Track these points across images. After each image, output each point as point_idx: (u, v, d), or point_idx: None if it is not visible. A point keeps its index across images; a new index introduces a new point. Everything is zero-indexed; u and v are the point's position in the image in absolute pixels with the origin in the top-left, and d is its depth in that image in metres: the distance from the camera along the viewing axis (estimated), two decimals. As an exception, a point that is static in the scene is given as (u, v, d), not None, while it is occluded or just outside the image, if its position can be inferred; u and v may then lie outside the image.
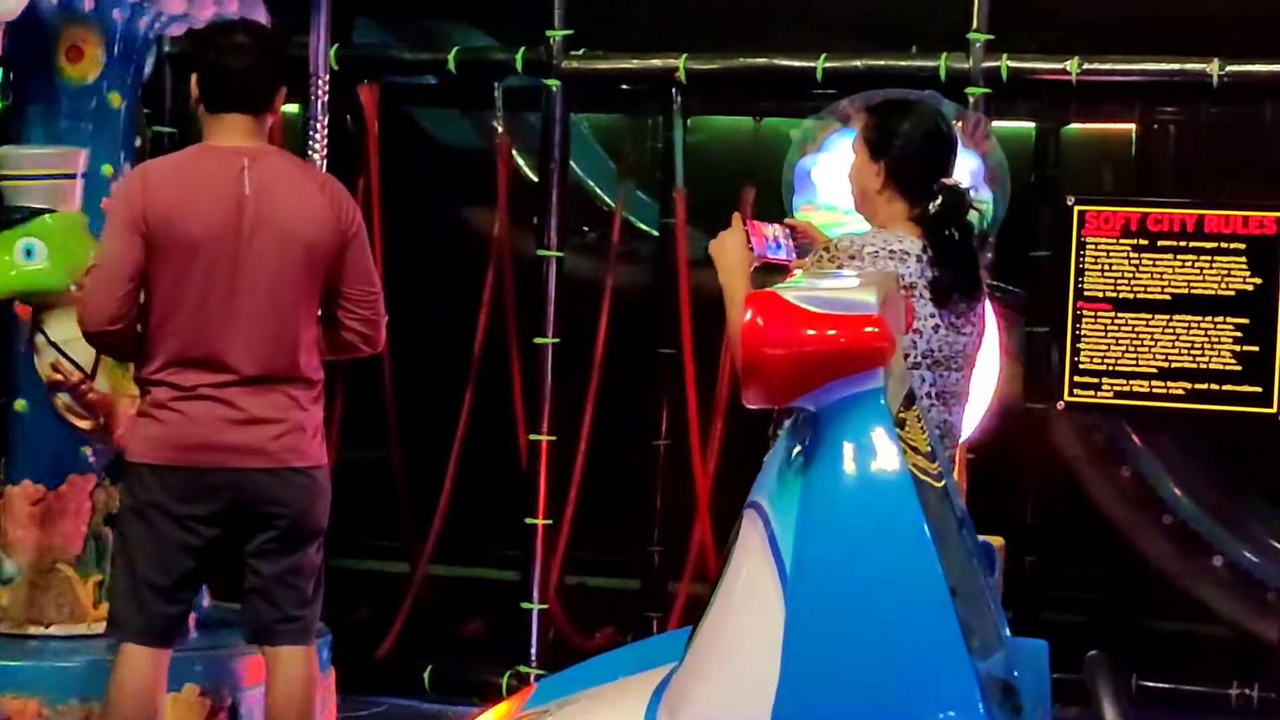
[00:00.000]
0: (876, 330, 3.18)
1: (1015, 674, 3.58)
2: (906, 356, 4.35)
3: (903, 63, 8.04)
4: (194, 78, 5.89)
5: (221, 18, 6.77)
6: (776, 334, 3.18)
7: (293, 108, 7.14)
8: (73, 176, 6.72)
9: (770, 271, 5.21)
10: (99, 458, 6.89)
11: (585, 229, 9.10)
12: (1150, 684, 7.80)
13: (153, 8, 7.00)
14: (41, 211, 6.65)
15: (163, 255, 5.63)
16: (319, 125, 7.36)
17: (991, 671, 3.26)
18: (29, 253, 6.62)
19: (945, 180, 5.19)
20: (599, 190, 9.21)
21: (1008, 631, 3.76)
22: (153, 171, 5.98)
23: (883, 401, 3.25)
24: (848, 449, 3.21)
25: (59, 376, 6.62)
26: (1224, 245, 7.73)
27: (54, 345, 6.60)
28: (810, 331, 3.17)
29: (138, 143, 7.47)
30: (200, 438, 5.64)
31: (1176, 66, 7.81)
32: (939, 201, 5.13)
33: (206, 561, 5.81)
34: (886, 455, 3.20)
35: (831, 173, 7.30)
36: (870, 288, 3.29)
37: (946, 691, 3.07)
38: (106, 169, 6.91)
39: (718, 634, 3.39)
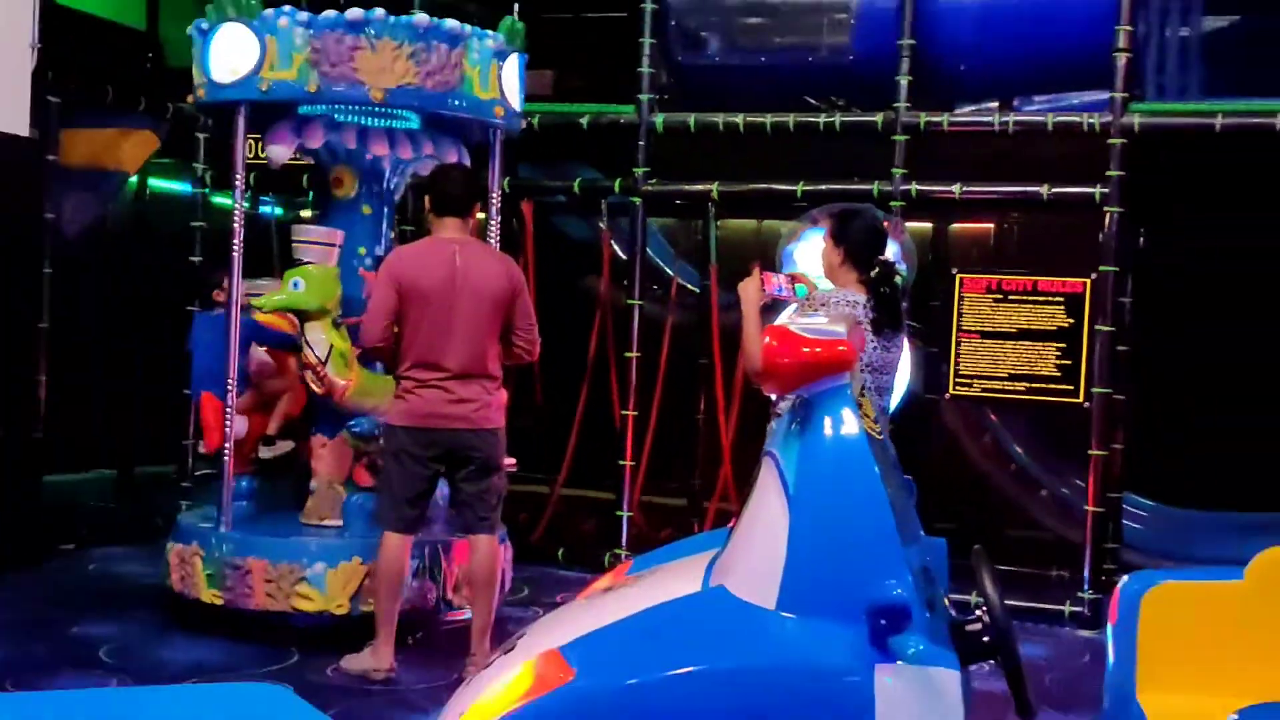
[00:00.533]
0: (845, 349, 3.28)
1: (928, 559, 3.57)
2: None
3: (850, 187, 8.05)
4: (427, 197, 6.33)
5: (439, 162, 6.91)
6: (785, 351, 3.26)
7: (482, 215, 7.11)
8: (332, 246, 6.85)
9: (771, 307, 5.39)
10: (355, 422, 6.96)
11: (655, 288, 9.01)
12: (1001, 567, 6.80)
13: (390, 155, 7.08)
14: (308, 263, 6.73)
15: (409, 303, 6.00)
16: (496, 225, 7.22)
17: (912, 558, 3.22)
18: (296, 284, 6.68)
19: (880, 258, 5.47)
20: (663, 265, 9.21)
21: (922, 533, 3.72)
22: (404, 252, 6.30)
23: (849, 391, 3.31)
24: (828, 418, 3.25)
25: (308, 361, 6.73)
26: (1049, 299, 7.81)
27: (307, 343, 6.67)
28: (805, 349, 3.25)
29: (392, 235, 7.49)
30: (430, 410, 6.02)
31: (1019, 188, 7.93)
32: (876, 271, 5.43)
33: (433, 484, 6.21)
34: (850, 422, 3.23)
35: (806, 253, 7.47)
36: (840, 322, 3.40)
37: (886, 565, 3.05)
38: (361, 250, 7.18)
39: (748, 530, 3.40)
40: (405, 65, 6.63)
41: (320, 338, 6.72)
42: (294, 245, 6.94)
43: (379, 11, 6.63)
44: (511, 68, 7.07)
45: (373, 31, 6.59)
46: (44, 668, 6.02)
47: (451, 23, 6.81)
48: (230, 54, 6.63)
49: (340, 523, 6.98)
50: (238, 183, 6.92)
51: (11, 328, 7.85)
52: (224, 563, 6.67)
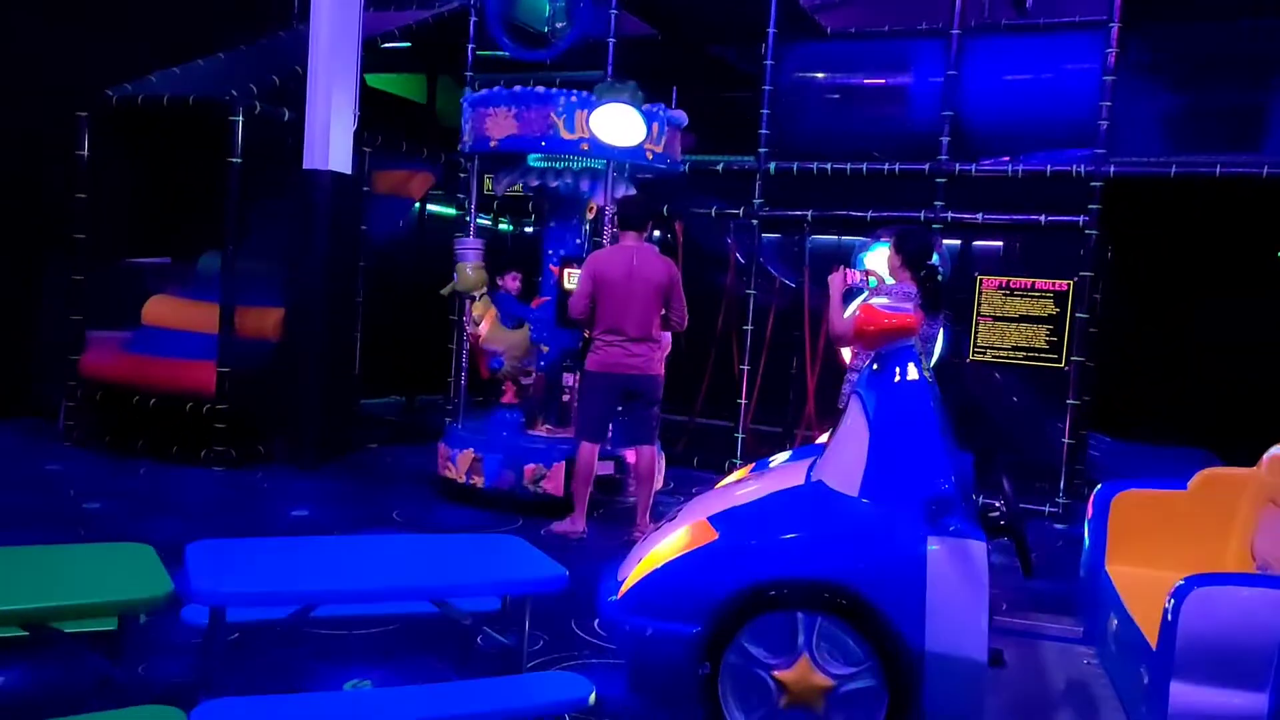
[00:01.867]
0: (911, 319, 3.25)
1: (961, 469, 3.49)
2: None
3: (904, 214, 7.78)
4: (615, 217, 6.34)
5: (627, 195, 6.78)
6: (871, 320, 3.23)
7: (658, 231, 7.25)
8: (478, 250, 6.89)
9: (847, 294, 5.36)
10: (494, 361, 7.16)
11: (765, 284, 8.66)
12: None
13: (590, 189, 6.91)
14: (466, 264, 6.85)
15: (600, 289, 6.02)
16: (656, 237, 7.53)
17: (955, 467, 3.16)
18: (454, 277, 6.85)
19: (928, 263, 5.37)
20: (770, 268, 8.76)
21: (956, 449, 3.56)
22: (599, 255, 6.20)
23: (914, 348, 3.29)
24: (898, 367, 3.21)
25: (467, 326, 6.98)
26: (1043, 294, 7.65)
27: (470, 314, 6.93)
28: (886, 320, 3.21)
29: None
30: (615, 361, 6.05)
31: (1024, 216, 7.67)
32: (924, 273, 5.33)
33: (615, 411, 6.23)
34: (914, 370, 3.20)
35: (874, 259, 7.24)
36: (908, 302, 3.50)
37: (936, 467, 3.02)
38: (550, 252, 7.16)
39: (839, 443, 3.36)
40: (641, 134, 6.62)
41: (470, 309, 6.93)
42: (455, 247, 7.04)
43: (680, 114, 6.77)
44: (677, 134, 7.07)
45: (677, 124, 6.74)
46: (359, 524, 6.17)
47: (677, 112, 6.88)
48: (621, 128, 6.51)
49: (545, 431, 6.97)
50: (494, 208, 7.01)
51: (338, 302, 7.99)
52: (480, 459, 6.75)
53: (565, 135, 6.50)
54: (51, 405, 8.18)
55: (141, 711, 2.48)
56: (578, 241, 7.27)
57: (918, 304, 5.25)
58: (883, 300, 3.37)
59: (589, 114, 6.49)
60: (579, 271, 6.30)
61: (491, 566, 3.17)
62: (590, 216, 7.29)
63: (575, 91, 6.55)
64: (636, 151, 6.61)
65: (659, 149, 6.68)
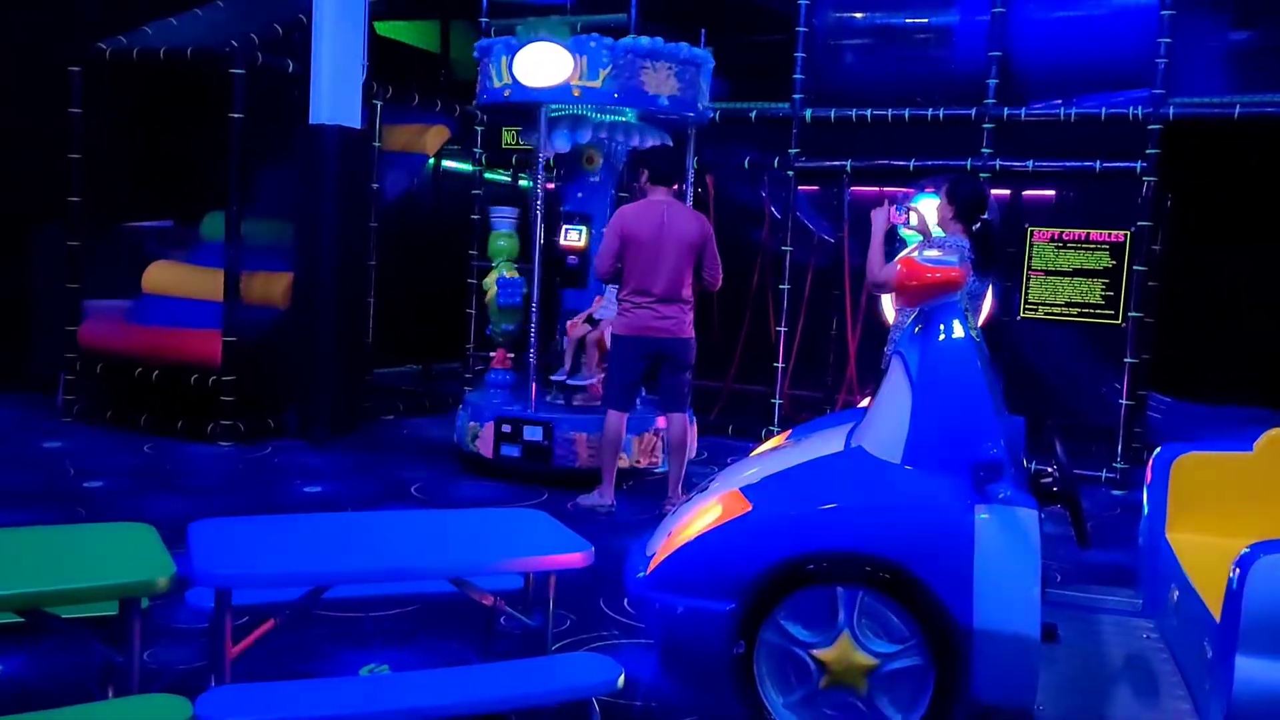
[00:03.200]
0: (956, 274, 3.17)
1: (1011, 432, 3.43)
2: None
3: (949, 163, 7.78)
4: (644, 171, 6.22)
5: (653, 145, 6.83)
6: (912, 275, 3.17)
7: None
8: (510, 218, 7.10)
9: (890, 235, 5.40)
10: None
11: (803, 239, 8.54)
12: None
13: (625, 141, 6.98)
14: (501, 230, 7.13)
15: (630, 246, 5.99)
16: (690, 192, 7.32)
17: (1004, 430, 3.13)
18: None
19: (983, 216, 5.33)
20: (807, 223, 8.65)
21: (1006, 411, 3.55)
22: (626, 211, 6.14)
23: (960, 305, 3.23)
24: (942, 325, 3.15)
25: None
26: (1098, 247, 7.65)
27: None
28: (928, 274, 3.15)
29: (614, 199, 7.32)
30: (644, 324, 6.03)
31: (1077, 163, 7.59)
32: (978, 226, 5.29)
33: (642, 376, 6.21)
34: (959, 328, 3.14)
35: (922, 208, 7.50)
36: (953, 255, 3.32)
37: (984, 431, 2.99)
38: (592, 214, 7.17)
39: (881, 406, 3.33)
40: (674, 82, 6.59)
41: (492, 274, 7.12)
42: (491, 216, 7.19)
43: (659, 40, 6.56)
44: (707, 78, 7.00)
45: (656, 55, 6.54)
46: (374, 499, 6.20)
47: (697, 49, 6.76)
48: (541, 66, 6.47)
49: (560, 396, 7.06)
50: (540, 164, 6.83)
51: (349, 266, 7.97)
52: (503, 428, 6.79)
53: (495, 84, 6.64)
54: (49, 380, 8.21)
55: (145, 700, 2.48)
56: (579, 196, 7.31)
57: (969, 259, 5.18)
58: (934, 253, 3.27)
59: (511, 59, 6.56)
60: (581, 229, 6.32)
61: (513, 543, 3.16)
62: (590, 167, 7.25)
63: (508, 39, 6.64)
64: (563, 91, 6.49)
65: (596, 85, 6.47)
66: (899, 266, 3.21)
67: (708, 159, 8.67)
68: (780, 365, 8.46)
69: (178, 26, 8.19)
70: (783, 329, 8.44)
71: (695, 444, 7.00)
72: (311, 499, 6.13)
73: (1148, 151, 7.42)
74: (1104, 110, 7.60)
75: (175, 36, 7.90)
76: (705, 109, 7.03)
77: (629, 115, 6.97)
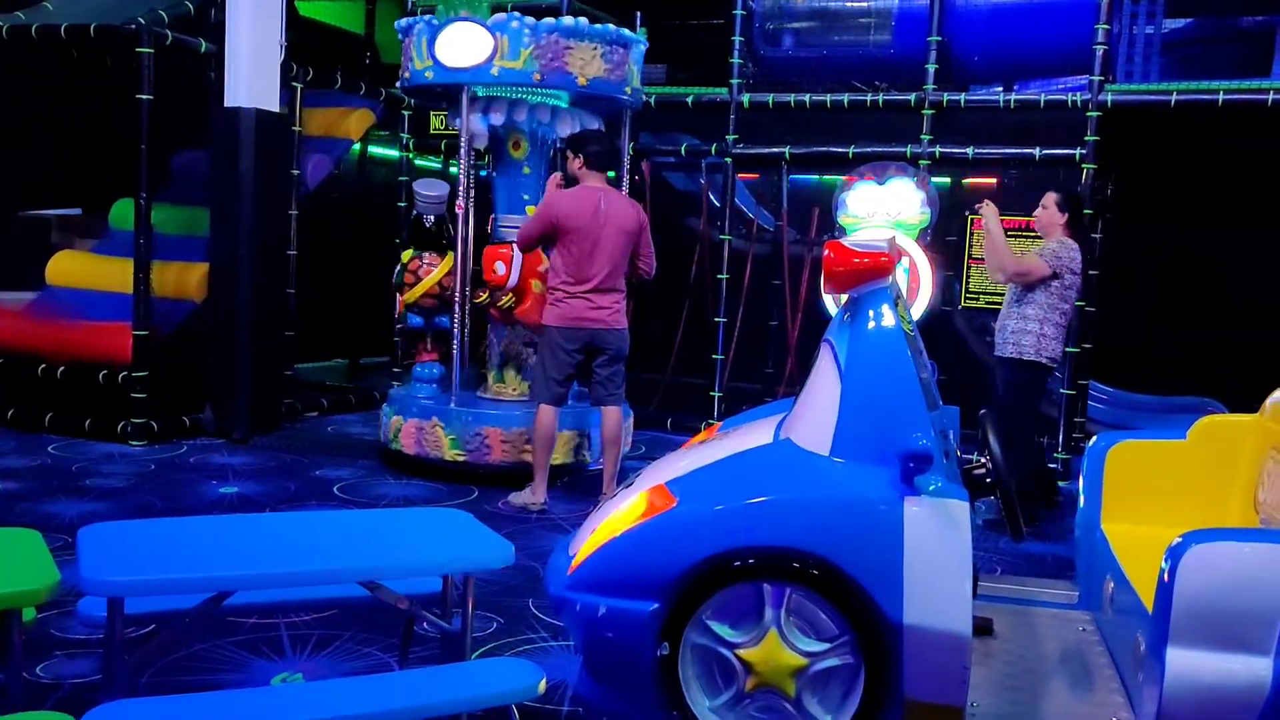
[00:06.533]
0: (886, 259, 3.12)
1: (945, 422, 3.50)
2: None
3: (889, 149, 7.86)
4: (579, 157, 6.14)
5: (587, 131, 6.65)
6: (840, 260, 3.12)
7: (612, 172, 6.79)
8: (441, 202, 7.11)
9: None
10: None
11: (741, 228, 8.69)
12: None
13: (551, 125, 6.86)
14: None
15: (564, 234, 5.97)
16: (626, 179, 7.26)
17: (933, 419, 3.12)
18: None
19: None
20: (747, 210, 8.80)
21: (940, 402, 3.57)
22: (563, 195, 6.07)
23: (889, 292, 3.18)
24: (871, 311, 3.13)
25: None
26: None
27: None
28: (854, 260, 3.10)
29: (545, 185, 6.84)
30: (577, 315, 6.01)
31: (1017, 150, 7.65)
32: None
33: (575, 369, 6.14)
34: (888, 315, 3.11)
35: (857, 200, 7.46)
36: (884, 241, 3.19)
37: (913, 422, 2.97)
38: (526, 197, 6.95)
39: (809, 397, 3.28)
40: (599, 64, 6.52)
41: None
42: (417, 200, 7.12)
43: (583, 21, 6.49)
44: (639, 62, 6.96)
45: (580, 35, 6.46)
46: (295, 499, 6.13)
47: (625, 30, 6.70)
48: (462, 46, 6.40)
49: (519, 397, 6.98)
50: (463, 145, 6.72)
51: (269, 256, 7.85)
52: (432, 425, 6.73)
53: (418, 65, 6.62)
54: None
55: (24, 719, 2.38)
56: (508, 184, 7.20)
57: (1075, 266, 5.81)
58: (863, 238, 3.20)
59: (432, 39, 6.51)
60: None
61: (428, 543, 3.09)
62: (517, 153, 7.09)
63: (430, 18, 6.58)
64: (484, 71, 6.41)
65: (518, 65, 6.38)
66: (827, 251, 3.13)
67: (644, 145, 8.63)
68: (719, 357, 8.46)
69: (81, 1, 7.99)
70: (722, 320, 8.44)
71: (630, 437, 6.98)
72: (228, 500, 6.03)
73: (1087, 138, 7.47)
74: (1043, 97, 7.67)
75: (77, 12, 7.71)
76: (637, 92, 6.98)
77: (563, 100, 6.88)
